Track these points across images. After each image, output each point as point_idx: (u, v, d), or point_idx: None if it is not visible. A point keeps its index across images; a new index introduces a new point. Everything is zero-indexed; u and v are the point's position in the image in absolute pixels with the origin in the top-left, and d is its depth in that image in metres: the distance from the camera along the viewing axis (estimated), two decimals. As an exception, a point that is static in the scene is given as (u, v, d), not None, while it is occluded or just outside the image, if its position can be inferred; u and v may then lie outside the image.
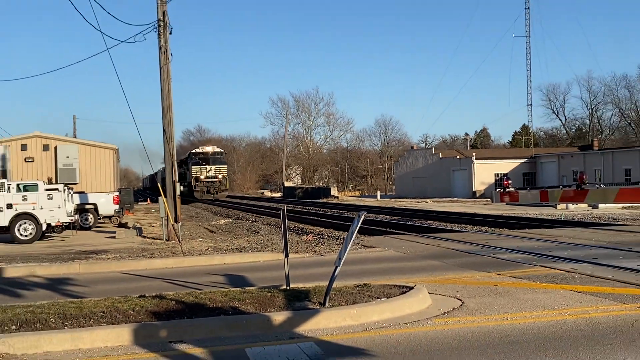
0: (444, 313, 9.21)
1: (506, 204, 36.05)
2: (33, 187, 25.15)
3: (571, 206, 39.01)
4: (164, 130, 25.61)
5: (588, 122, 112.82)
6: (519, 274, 12.57)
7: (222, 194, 75.34)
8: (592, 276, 11.92)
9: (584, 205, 38.48)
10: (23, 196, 24.47)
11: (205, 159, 74.74)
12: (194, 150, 79.21)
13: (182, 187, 75.82)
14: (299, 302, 9.53)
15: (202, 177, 72.82)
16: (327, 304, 9.17)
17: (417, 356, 7.09)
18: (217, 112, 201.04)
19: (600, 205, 37.86)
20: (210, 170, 73.35)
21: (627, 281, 11.23)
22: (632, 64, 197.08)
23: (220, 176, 74.12)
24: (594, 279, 11.60)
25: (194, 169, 73.84)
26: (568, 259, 14.42)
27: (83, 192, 32.60)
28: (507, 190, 28.08)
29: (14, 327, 8.38)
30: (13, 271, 15.35)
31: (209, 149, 78.13)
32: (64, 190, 25.74)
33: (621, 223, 25.95)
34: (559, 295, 10.19)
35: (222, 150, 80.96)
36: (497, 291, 10.76)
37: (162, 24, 25.32)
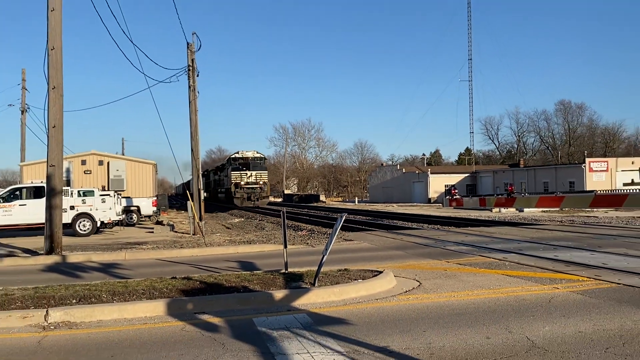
0: (406, 291, 9.20)
1: (454, 208, 36.20)
2: (90, 193, 25.08)
3: (503, 210, 39.14)
4: (191, 150, 25.61)
5: (516, 146, 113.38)
6: (463, 261, 12.59)
7: (263, 201, 55.80)
8: (519, 264, 11.95)
9: (512, 209, 38.62)
10: (82, 200, 24.41)
11: (246, 164, 55.31)
12: (233, 155, 58.14)
13: (220, 194, 65.40)
14: (295, 282, 9.51)
15: (242, 183, 53.79)
16: (316, 284, 9.15)
17: (385, 324, 7.08)
18: (232, 136, 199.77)
19: (525, 209, 38.01)
20: (251, 176, 54.30)
21: (545, 267, 11.27)
22: (550, 101, 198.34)
23: (261, 182, 54.90)
24: (520, 266, 11.63)
25: (234, 174, 54.59)
26: (501, 250, 14.45)
27: (129, 197, 32.48)
28: (454, 197, 28.19)
29: (74, 300, 8.34)
30: (74, 258, 15.26)
31: (250, 153, 57.35)
32: (114, 195, 25.69)
33: (541, 223, 26.06)
34: (493, 278, 10.21)
35: (263, 156, 60.11)
36: (446, 275, 10.77)
37: (191, 68, 25.41)
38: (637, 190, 19.59)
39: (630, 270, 10.52)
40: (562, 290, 8.89)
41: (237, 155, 57.58)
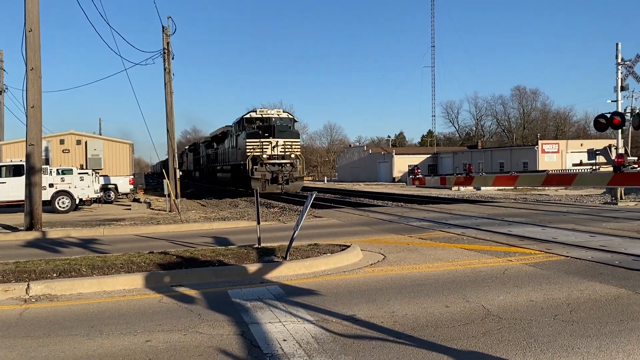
0: (372, 264, 9.30)
1: (416, 187, 36.38)
2: (69, 172, 24.65)
3: (462, 188, 39.72)
4: (167, 130, 25.30)
5: (474, 128, 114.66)
6: (425, 236, 12.76)
7: (296, 184, 34.66)
8: (476, 238, 12.15)
9: (470, 188, 39.23)
10: (61, 178, 24.01)
11: (267, 128, 34.68)
12: (247, 115, 36.58)
13: (220, 173, 45.88)
14: (267, 256, 9.53)
15: (264, 156, 33.71)
16: (287, 258, 9.18)
17: (352, 294, 7.16)
18: (207, 117, 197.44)
19: (482, 188, 38.67)
20: (277, 145, 33.92)
21: (500, 241, 11.49)
22: (506, 87, 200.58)
23: (292, 155, 34.46)
24: (477, 240, 11.83)
25: (250, 143, 34.17)
26: (459, 225, 14.67)
27: (106, 175, 32.04)
28: (417, 176, 28.34)
29: (54, 274, 8.22)
30: (54, 233, 15.02)
31: (274, 112, 37.53)
32: (92, 174, 25.32)
33: (496, 200, 26.53)
34: (452, 252, 10.38)
35: (291, 116, 37.82)
36: (409, 249, 10.91)
37: (166, 51, 24.96)
38: (586, 170, 20.05)
39: (577, 244, 10.81)
40: (515, 263, 9.09)
41: (253, 114, 36.42)
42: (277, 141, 34.07)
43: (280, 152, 34.06)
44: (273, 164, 33.71)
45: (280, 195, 32.86)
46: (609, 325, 5.57)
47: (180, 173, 27.55)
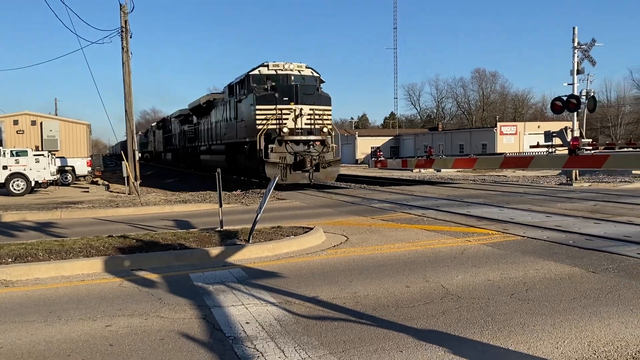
0: (334, 246, 9.36)
1: (379, 169, 36.78)
2: (23, 153, 23.95)
3: (423, 170, 40.20)
4: (125, 111, 24.71)
5: (435, 111, 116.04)
6: (386, 217, 12.90)
7: (330, 170, 24.00)
8: (436, 219, 12.35)
9: (431, 170, 39.71)
10: (16, 160, 23.31)
11: (287, 90, 23.54)
12: (255, 72, 24.93)
13: (206, 155, 35.26)
14: (230, 239, 9.48)
15: (284, 130, 22.89)
16: (250, 241, 9.16)
17: (315, 276, 7.21)
18: (166, 97, 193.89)
19: (443, 170, 39.17)
20: (301, 115, 23.13)
21: (459, 222, 11.71)
22: (467, 69, 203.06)
23: (324, 130, 23.64)
24: (437, 221, 12.03)
25: (262, 112, 23.23)
26: (420, 207, 14.87)
27: (63, 157, 31.23)
28: (379, 158, 28.67)
29: (10, 259, 8.00)
30: (9, 217, 14.58)
31: (293, 66, 24.98)
32: (48, 155, 24.66)
33: (456, 182, 26.95)
34: (413, 233, 10.53)
35: (317, 74, 25.73)
36: (371, 230, 11.01)
37: (124, 30, 24.30)
38: (542, 153, 20.58)
39: (533, 224, 11.10)
40: (473, 243, 9.29)
41: (263, 70, 25.43)
42: (302, 109, 23.61)
43: (306, 124, 23.70)
44: (297, 142, 23.59)
45: (307, 186, 23.90)
46: (563, 303, 5.77)
47: (140, 154, 26.99)
